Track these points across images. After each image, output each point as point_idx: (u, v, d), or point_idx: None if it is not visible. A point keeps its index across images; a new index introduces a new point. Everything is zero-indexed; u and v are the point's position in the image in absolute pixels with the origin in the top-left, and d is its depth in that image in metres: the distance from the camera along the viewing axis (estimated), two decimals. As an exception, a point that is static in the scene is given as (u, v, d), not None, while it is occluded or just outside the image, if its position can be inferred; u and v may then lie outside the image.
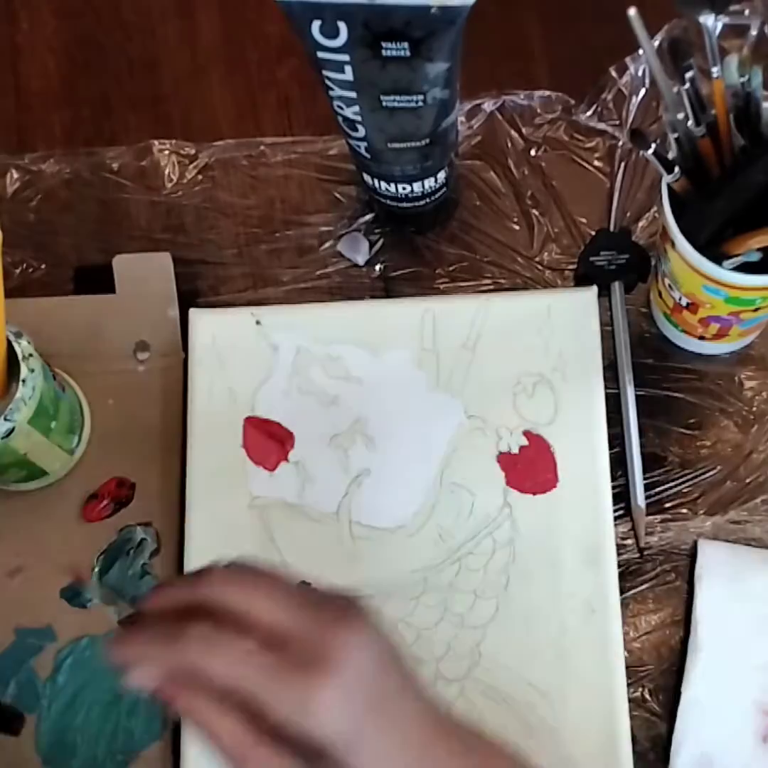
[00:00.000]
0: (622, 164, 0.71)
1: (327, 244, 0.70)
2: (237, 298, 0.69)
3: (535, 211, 0.70)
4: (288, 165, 0.72)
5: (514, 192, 0.71)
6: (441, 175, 0.66)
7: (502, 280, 0.69)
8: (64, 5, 0.77)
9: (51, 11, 0.77)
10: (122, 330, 0.67)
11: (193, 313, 0.66)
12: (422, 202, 0.68)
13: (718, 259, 0.55)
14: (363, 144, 0.63)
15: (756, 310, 0.59)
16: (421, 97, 0.58)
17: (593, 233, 0.69)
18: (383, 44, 0.55)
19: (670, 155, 0.56)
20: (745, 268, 0.55)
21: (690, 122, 0.54)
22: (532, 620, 0.61)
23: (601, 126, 0.72)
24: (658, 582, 0.63)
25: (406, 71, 0.57)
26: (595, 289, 0.66)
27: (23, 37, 0.77)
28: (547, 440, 0.64)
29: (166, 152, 0.73)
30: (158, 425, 0.66)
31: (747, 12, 0.68)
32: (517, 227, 0.70)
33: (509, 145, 0.72)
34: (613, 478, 0.63)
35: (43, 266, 0.70)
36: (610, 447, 0.63)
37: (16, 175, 0.72)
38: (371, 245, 0.70)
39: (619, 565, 0.62)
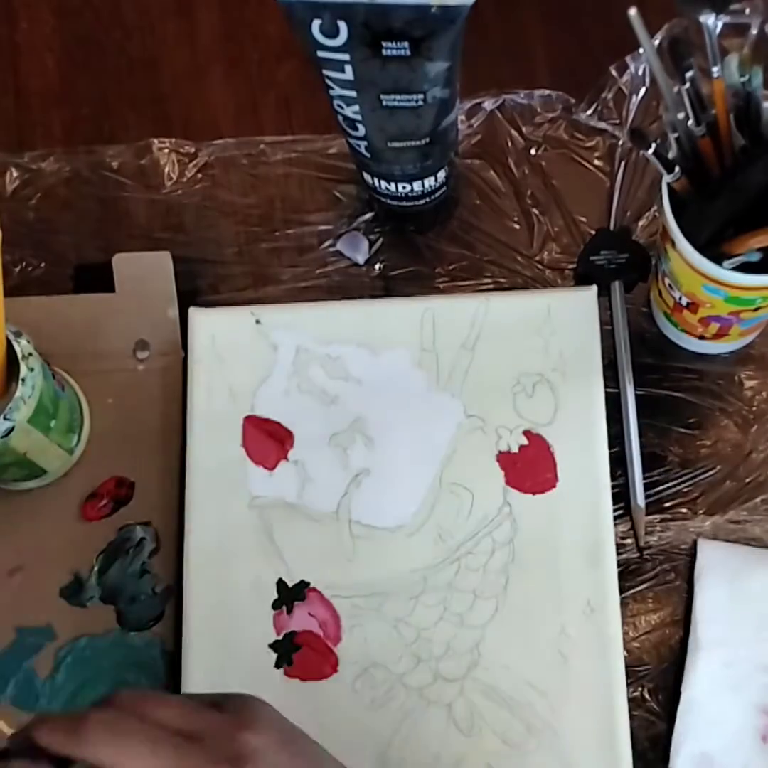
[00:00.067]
0: (622, 163, 0.71)
1: (327, 243, 0.70)
2: (237, 297, 0.69)
3: (535, 210, 0.70)
4: (288, 164, 0.72)
5: (514, 191, 0.71)
6: (441, 174, 0.66)
7: (502, 280, 0.69)
8: (64, 4, 0.77)
9: (50, 10, 0.77)
10: (122, 329, 0.67)
11: (193, 312, 0.66)
12: (422, 201, 0.68)
13: (718, 258, 0.55)
14: (363, 143, 0.63)
15: (756, 309, 0.59)
16: (421, 96, 0.58)
17: (593, 232, 0.69)
18: (383, 43, 0.55)
19: (670, 155, 0.56)
20: (745, 267, 0.55)
21: (690, 122, 0.54)
22: (531, 620, 0.61)
23: (602, 125, 0.72)
24: (657, 581, 0.63)
25: (406, 70, 0.56)
26: (595, 288, 0.66)
27: (23, 36, 0.77)
28: (546, 440, 0.64)
29: (166, 151, 0.72)
30: (158, 424, 0.66)
31: (747, 11, 0.68)
32: (517, 226, 0.70)
33: (509, 144, 0.72)
34: (613, 478, 0.63)
35: (42, 265, 0.70)
36: (610, 446, 0.63)
37: (15, 174, 0.72)
38: (371, 244, 0.70)
39: (619, 565, 0.62)
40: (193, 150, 0.73)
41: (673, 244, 0.57)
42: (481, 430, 0.64)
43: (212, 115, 0.74)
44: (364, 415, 0.65)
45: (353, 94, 0.59)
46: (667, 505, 0.64)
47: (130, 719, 0.41)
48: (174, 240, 0.71)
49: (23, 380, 0.57)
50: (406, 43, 0.55)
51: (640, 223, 0.70)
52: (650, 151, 0.54)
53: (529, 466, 0.63)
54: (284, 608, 0.62)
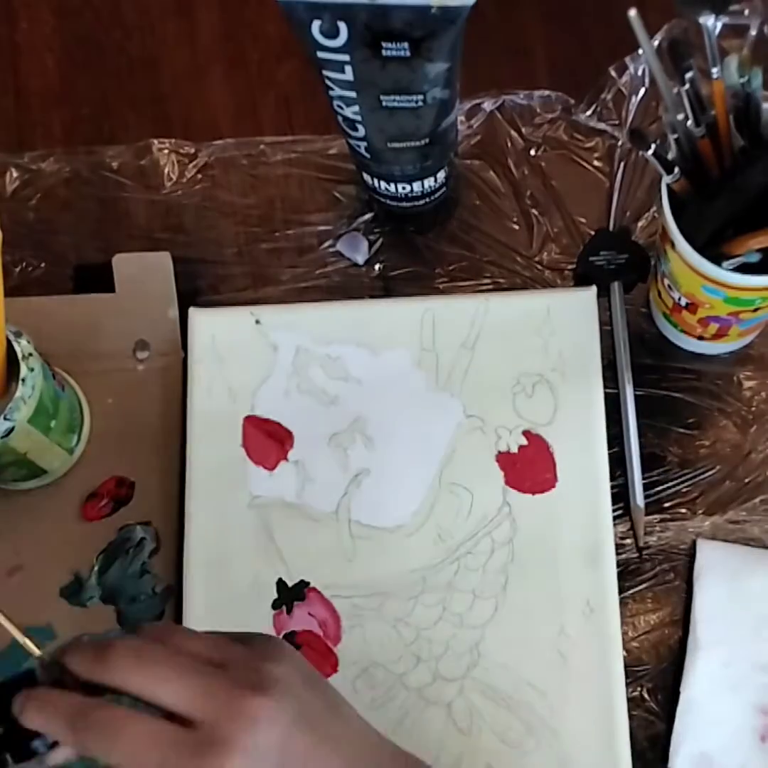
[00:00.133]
0: (622, 164, 0.71)
1: (326, 244, 0.70)
2: (236, 298, 0.69)
3: (534, 211, 0.70)
4: (288, 164, 0.72)
5: (514, 192, 0.71)
6: (440, 175, 0.66)
7: (501, 280, 0.69)
8: (64, 4, 0.77)
9: (50, 10, 0.77)
10: (122, 329, 0.67)
11: (193, 313, 0.66)
12: (422, 202, 0.68)
13: (717, 259, 0.55)
14: (363, 144, 0.63)
15: (755, 310, 0.59)
16: (421, 97, 0.58)
17: (593, 233, 0.69)
18: (383, 44, 0.55)
19: (670, 155, 0.56)
20: (745, 268, 0.55)
21: (690, 123, 0.54)
22: (531, 620, 0.61)
23: (601, 126, 0.72)
24: (657, 581, 0.63)
25: (406, 71, 0.57)
26: (594, 289, 0.66)
27: (22, 36, 0.77)
28: (546, 440, 0.64)
29: (166, 151, 0.73)
30: (158, 424, 0.66)
31: (747, 12, 0.68)
32: (516, 227, 0.70)
33: (509, 144, 0.72)
34: (613, 478, 0.63)
35: (42, 265, 0.70)
36: (610, 447, 0.63)
37: (15, 174, 0.72)
38: (371, 245, 0.70)
39: (618, 565, 0.62)
40: (193, 150, 0.73)
41: (672, 244, 0.57)
42: (480, 430, 0.64)
43: (212, 116, 0.74)
44: (363, 415, 0.65)
45: (353, 94, 0.59)
46: (667, 505, 0.65)
47: (156, 647, 0.42)
48: (174, 240, 0.71)
49: (23, 380, 0.58)
50: (406, 44, 0.55)
51: (640, 224, 0.70)
52: (650, 151, 0.54)
53: (529, 466, 0.63)
54: (284, 608, 0.62)
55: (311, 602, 0.62)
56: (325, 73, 0.58)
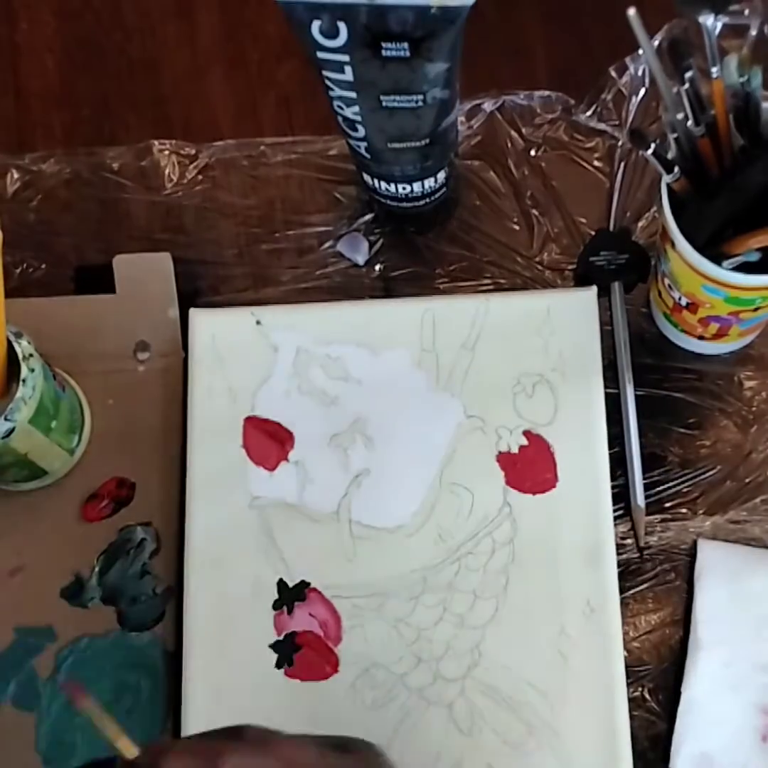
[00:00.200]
0: (622, 164, 0.71)
1: (327, 244, 0.70)
2: (237, 298, 0.69)
3: (534, 211, 0.70)
4: (288, 165, 0.72)
5: (514, 192, 0.71)
6: (441, 175, 0.66)
7: (501, 280, 0.69)
8: (64, 5, 0.77)
9: (51, 11, 0.77)
10: (122, 330, 0.67)
11: (193, 313, 0.67)
12: (422, 202, 0.68)
13: (717, 259, 0.55)
14: (363, 144, 0.63)
15: (756, 309, 0.59)
16: (421, 97, 0.58)
17: (593, 233, 0.69)
18: (383, 44, 0.55)
19: (670, 155, 0.56)
20: (745, 268, 0.55)
21: (689, 122, 0.54)
22: (531, 620, 0.61)
23: (601, 126, 0.72)
24: (657, 582, 0.63)
25: (406, 71, 0.57)
26: (594, 289, 0.66)
27: (23, 37, 0.77)
28: (546, 440, 0.64)
29: (167, 152, 0.73)
30: (158, 425, 0.66)
31: (747, 12, 0.68)
32: (517, 227, 0.70)
33: (509, 145, 0.72)
34: (613, 478, 0.63)
35: (43, 266, 0.70)
36: (610, 447, 0.63)
37: (16, 175, 0.72)
38: (371, 245, 0.70)
39: (619, 565, 0.62)
40: (193, 151, 0.73)
41: (672, 244, 0.57)
42: (481, 430, 0.64)
43: (212, 117, 0.74)
44: (364, 416, 0.65)
45: (353, 95, 0.59)
46: (667, 505, 0.64)
47: (268, 760, 0.40)
48: (174, 241, 0.71)
49: (24, 381, 0.58)
50: (405, 44, 0.55)
51: (640, 224, 0.70)
52: (650, 151, 0.54)
53: (529, 467, 0.63)
54: (285, 608, 0.62)
55: (312, 603, 0.62)
56: (325, 73, 0.58)
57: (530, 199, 0.71)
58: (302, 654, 0.61)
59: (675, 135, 0.55)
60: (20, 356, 0.58)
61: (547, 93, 0.72)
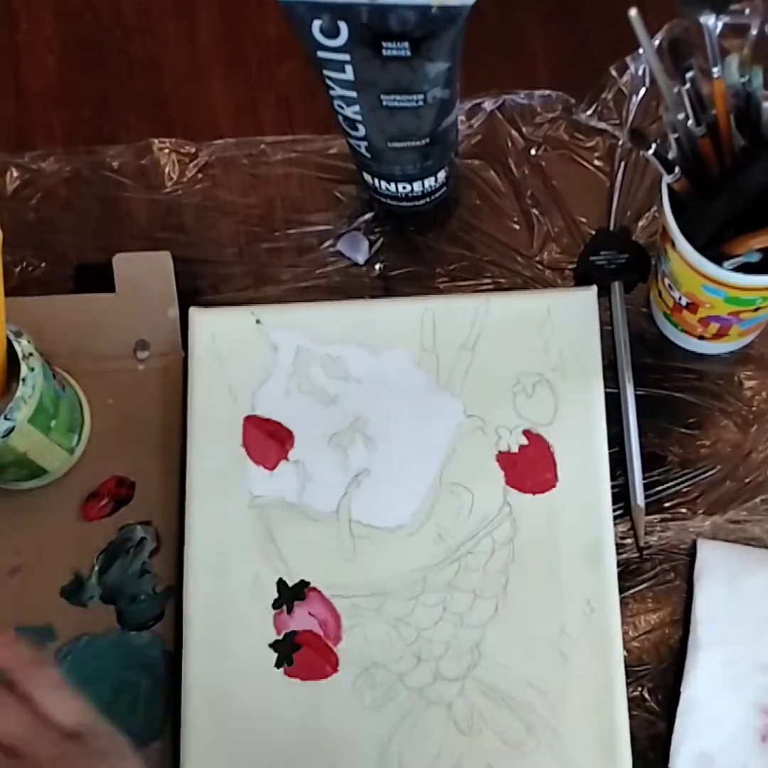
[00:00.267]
0: (622, 164, 0.71)
1: (327, 243, 0.70)
2: (237, 297, 0.69)
3: (535, 211, 0.70)
4: (288, 164, 0.72)
5: (514, 191, 0.71)
6: (441, 175, 0.66)
7: (502, 280, 0.69)
8: (64, 5, 0.77)
9: (51, 11, 0.77)
10: (122, 329, 0.67)
11: (193, 312, 0.66)
12: (422, 202, 0.68)
13: (718, 259, 0.55)
14: (363, 143, 0.63)
15: (756, 310, 0.59)
16: (421, 96, 0.58)
17: (593, 233, 0.69)
18: (384, 44, 0.55)
19: (670, 155, 0.56)
20: (745, 268, 0.55)
21: (690, 122, 0.54)
22: (531, 620, 0.61)
23: (601, 125, 0.72)
24: (657, 581, 0.63)
25: (407, 71, 0.57)
26: (594, 288, 0.66)
27: (23, 37, 0.77)
28: (546, 440, 0.64)
29: (166, 151, 0.73)
30: (158, 424, 0.66)
31: (747, 12, 0.68)
32: (517, 227, 0.70)
33: (509, 144, 0.72)
34: (613, 478, 0.63)
35: (43, 265, 0.70)
36: (610, 446, 0.63)
37: (16, 174, 0.72)
38: (371, 244, 0.70)
39: (619, 565, 0.62)
40: (193, 150, 0.73)
41: (673, 244, 0.57)
42: (481, 430, 0.64)
43: (212, 116, 0.74)
44: (364, 415, 0.65)
45: (353, 94, 0.59)
46: (667, 505, 0.64)
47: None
48: (174, 240, 0.71)
49: (24, 380, 0.58)
50: (406, 44, 0.55)
51: (640, 224, 0.70)
52: (650, 151, 0.54)
53: (529, 466, 0.63)
54: (284, 608, 0.62)
55: (312, 602, 0.62)
56: (326, 72, 0.58)
57: (530, 199, 0.71)
58: (302, 653, 0.61)
59: (676, 135, 0.55)
60: (20, 355, 0.58)
61: (547, 92, 0.72)
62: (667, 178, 0.55)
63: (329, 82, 0.59)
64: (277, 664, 0.61)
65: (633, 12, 0.49)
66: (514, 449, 0.64)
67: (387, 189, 0.67)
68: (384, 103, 0.59)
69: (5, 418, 0.57)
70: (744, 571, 0.62)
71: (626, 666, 0.60)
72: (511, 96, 0.73)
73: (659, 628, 0.63)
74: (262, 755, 0.60)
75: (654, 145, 0.54)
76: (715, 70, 0.52)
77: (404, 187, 0.66)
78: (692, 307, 0.61)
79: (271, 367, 0.66)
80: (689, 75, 0.52)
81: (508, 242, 0.70)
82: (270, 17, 0.75)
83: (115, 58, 0.76)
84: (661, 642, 0.63)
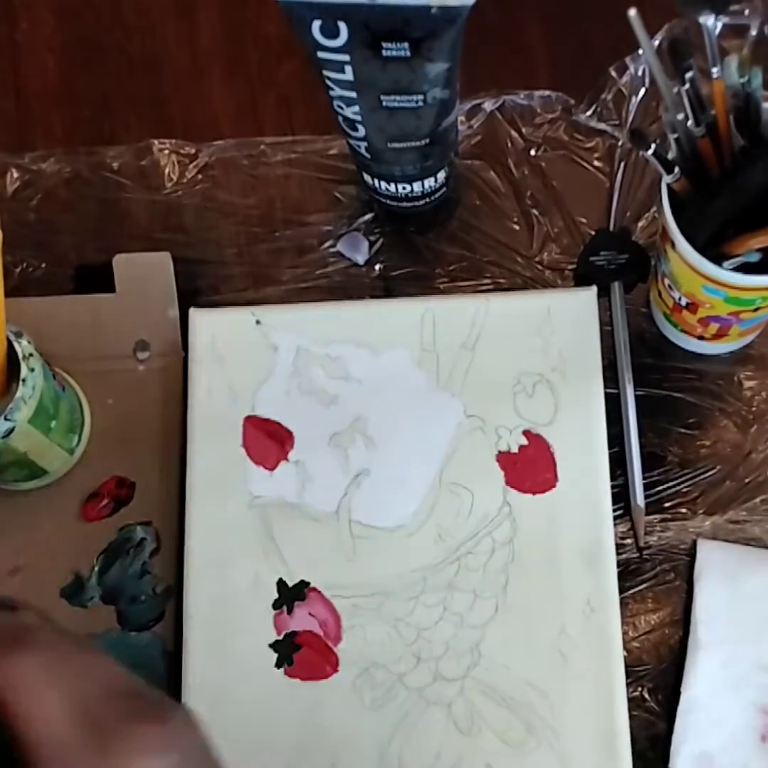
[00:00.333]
0: (622, 164, 0.71)
1: (327, 244, 0.70)
2: (237, 298, 0.69)
3: (535, 211, 0.70)
4: (288, 164, 0.72)
5: (514, 192, 0.71)
6: (441, 175, 0.66)
7: (502, 280, 0.69)
8: (64, 5, 0.77)
9: (51, 11, 0.77)
10: (122, 329, 0.67)
11: (193, 313, 0.67)
12: (422, 202, 0.68)
13: (717, 259, 0.55)
14: (363, 144, 0.63)
15: (756, 310, 0.59)
16: (421, 97, 0.58)
17: (593, 233, 0.69)
18: (383, 44, 0.55)
19: (670, 155, 0.56)
20: (745, 268, 0.55)
21: (690, 122, 0.54)
22: (531, 620, 0.61)
23: (601, 126, 0.72)
24: (657, 581, 0.63)
25: (406, 71, 0.57)
26: (594, 289, 0.66)
27: (23, 37, 0.77)
28: (546, 440, 0.64)
29: (166, 152, 0.73)
30: (158, 425, 0.66)
31: (747, 12, 0.68)
32: (517, 227, 0.70)
33: (509, 144, 0.72)
34: (613, 478, 0.63)
35: (43, 265, 0.70)
36: (610, 446, 0.63)
37: (16, 175, 0.72)
38: (371, 245, 0.70)
39: (619, 565, 0.62)
40: (193, 151, 0.73)
41: (672, 244, 0.57)
42: (480, 430, 0.64)
43: (212, 116, 0.74)
44: (364, 415, 0.65)
45: (353, 94, 0.59)
46: (667, 505, 0.64)
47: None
48: (174, 240, 0.71)
49: (24, 380, 0.58)
50: (406, 44, 0.55)
51: (640, 224, 0.70)
52: (650, 151, 0.54)
53: (529, 466, 0.63)
54: (284, 608, 0.62)
55: (312, 602, 0.62)
56: (325, 73, 0.58)
57: (530, 199, 0.71)
58: (302, 653, 0.61)
59: (675, 135, 0.55)
60: (20, 356, 0.58)
61: (547, 93, 0.72)
62: (666, 178, 0.55)
63: (329, 83, 0.59)
64: (277, 665, 0.61)
65: (632, 12, 0.49)
66: (514, 449, 0.64)
67: (387, 189, 0.67)
68: (384, 103, 0.59)
69: (5, 419, 0.57)
70: (744, 572, 0.62)
71: (626, 666, 0.60)
72: (511, 96, 0.72)
73: (659, 628, 0.63)
74: (263, 755, 0.60)
75: (654, 145, 0.53)
76: (714, 70, 0.52)
77: (404, 188, 0.66)
78: (692, 307, 0.61)
79: (271, 368, 0.66)
80: (689, 75, 0.52)
81: (508, 242, 0.70)
82: (270, 17, 0.75)
83: (115, 58, 0.76)
84: (661, 642, 0.63)
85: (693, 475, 0.65)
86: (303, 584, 0.62)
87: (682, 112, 0.54)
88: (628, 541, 0.64)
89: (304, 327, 0.66)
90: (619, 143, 0.71)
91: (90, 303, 0.68)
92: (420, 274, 0.70)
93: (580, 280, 0.68)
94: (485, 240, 0.70)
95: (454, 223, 0.71)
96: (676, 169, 0.55)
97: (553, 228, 0.70)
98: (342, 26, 0.54)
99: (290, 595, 0.62)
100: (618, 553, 0.62)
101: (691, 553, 0.63)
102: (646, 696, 0.61)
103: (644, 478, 0.64)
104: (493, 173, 0.71)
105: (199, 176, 0.72)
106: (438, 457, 0.64)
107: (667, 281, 0.61)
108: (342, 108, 0.60)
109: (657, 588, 0.63)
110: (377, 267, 0.70)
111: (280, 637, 0.61)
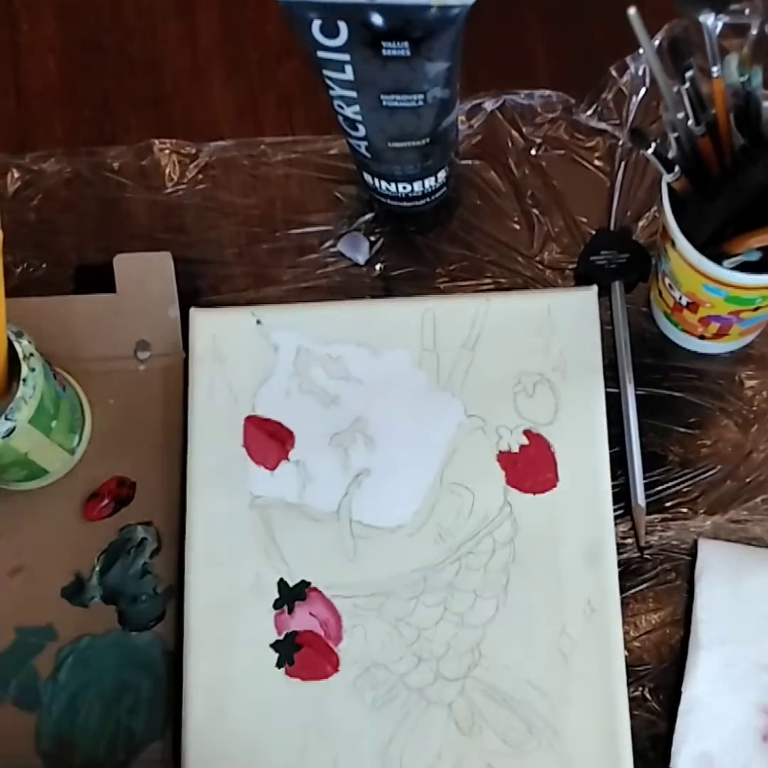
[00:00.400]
0: (623, 164, 0.71)
1: (327, 244, 0.70)
2: (237, 298, 0.69)
3: (535, 211, 0.70)
4: (288, 164, 0.72)
5: (515, 191, 0.71)
6: (441, 175, 0.66)
7: (502, 280, 0.69)
8: (65, 5, 0.77)
9: (51, 11, 0.77)
10: (123, 329, 0.67)
11: (194, 313, 0.67)
12: (422, 202, 0.68)
13: (718, 258, 0.55)
14: (363, 143, 0.63)
15: (756, 309, 0.59)
16: (421, 96, 0.58)
17: (593, 233, 0.69)
18: (383, 44, 0.55)
19: (670, 155, 0.56)
20: (745, 267, 0.55)
21: (690, 122, 0.54)
22: (532, 619, 0.61)
23: (602, 125, 0.72)
24: (658, 581, 0.63)
25: (407, 71, 0.57)
26: (595, 288, 0.66)
27: (24, 37, 0.77)
28: (547, 439, 0.64)
29: (167, 151, 0.73)
30: (159, 425, 0.66)
31: (747, 11, 0.68)
32: (517, 227, 0.70)
33: (510, 144, 0.72)
34: (614, 478, 0.63)
35: (43, 265, 0.70)
36: (611, 446, 0.63)
37: (17, 175, 0.72)
38: (371, 245, 0.70)
39: (620, 565, 0.62)
40: (194, 151, 0.73)
41: (673, 243, 0.57)
42: (481, 429, 0.64)
43: (213, 116, 0.74)
44: (364, 415, 0.65)
45: (353, 94, 0.59)
46: (668, 504, 0.64)
47: None
48: (175, 240, 0.71)
49: (24, 380, 0.58)
50: (406, 44, 0.55)
51: (640, 223, 0.70)
52: (650, 151, 0.54)
53: (530, 466, 0.63)
54: (285, 608, 0.62)
55: (312, 602, 0.62)
56: (326, 72, 0.58)
57: (531, 199, 0.71)
58: (303, 653, 0.61)
59: (675, 134, 0.55)
60: (21, 356, 0.58)
61: (547, 92, 0.72)
62: (667, 178, 0.55)
63: (329, 82, 0.59)
64: (278, 664, 0.61)
65: (632, 11, 0.49)
66: (515, 449, 0.64)
67: (387, 189, 0.67)
68: (384, 103, 0.59)
69: (6, 419, 0.57)
70: (745, 571, 0.62)
71: (627, 666, 0.60)
72: (512, 96, 0.73)
73: (660, 628, 0.63)
74: (263, 755, 0.60)
75: (654, 145, 0.53)
76: (714, 69, 0.52)
77: (404, 187, 0.66)
78: (692, 306, 0.61)
79: (271, 368, 0.66)
80: (689, 74, 0.52)
81: (508, 242, 0.70)
82: (270, 17, 0.75)
83: (115, 58, 0.76)
84: (661, 642, 0.63)
85: (694, 475, 0.65)
86: (304, 584, 0.62)
87: (683, 112, 0.54)
88: (629, 540, 0.64)
89: (305, 327, 0.66)
90: (620, 143, 0.71)
91: (90, 303, 0.68)
92: (420, 273, 0.70)
93: (581, 279, 0.68)
94: (486, 240, 0.70)
95: (454, 223, 0.71)
96: (677, 169, 0.55)
97: (554, 227, 0.70)
98: (342, 26, 0.54)
99: (291, 594, 0.62)
100: (619, 553, 0.62)
101: (692, 553, 0.63)
102: (647, 696, 0.61)
103: (645, 478, 0.64)
104: (493, 173, 0.71)
105: (200, 176, 0.72)
106: (438, 457, 0.64)
107: (667, 280, 0.61)
108: (342, 108, 0.60)
109: (658, 588, 0.63)
110: (377, 267, 0.70)
111: (281, 637, 0.61)
